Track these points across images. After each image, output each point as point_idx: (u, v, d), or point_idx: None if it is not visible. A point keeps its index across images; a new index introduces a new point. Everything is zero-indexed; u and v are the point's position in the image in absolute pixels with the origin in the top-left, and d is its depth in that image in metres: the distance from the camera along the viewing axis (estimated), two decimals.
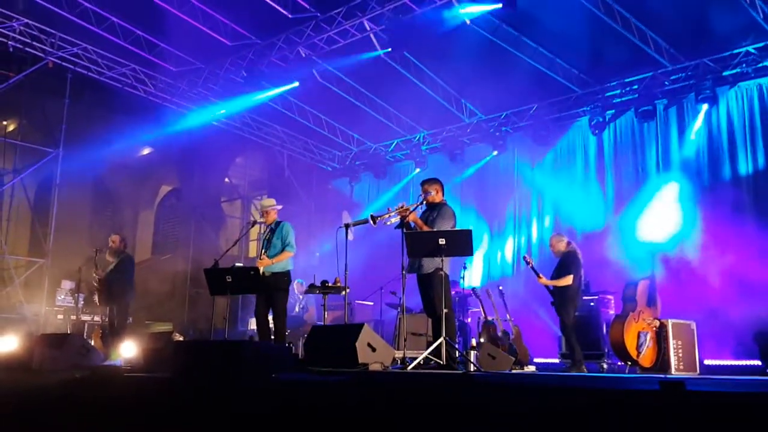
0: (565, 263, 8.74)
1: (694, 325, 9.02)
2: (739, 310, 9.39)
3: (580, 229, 12.58)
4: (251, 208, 17.45)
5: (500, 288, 10.40)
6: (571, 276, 8.55)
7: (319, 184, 17.35)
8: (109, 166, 14.38)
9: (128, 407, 4.75)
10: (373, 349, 6.20)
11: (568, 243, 8.97)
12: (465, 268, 11.04)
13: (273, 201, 8.63)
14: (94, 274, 10.02)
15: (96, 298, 10.75)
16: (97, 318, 11.37)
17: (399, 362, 6.78)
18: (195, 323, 15.08)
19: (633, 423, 2.85)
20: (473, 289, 10.88)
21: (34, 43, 12.30)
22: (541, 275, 8.72)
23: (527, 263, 9.04)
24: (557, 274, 8.77)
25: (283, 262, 8.19)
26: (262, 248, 8.43)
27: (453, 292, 10.33)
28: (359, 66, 12.32)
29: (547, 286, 8.76)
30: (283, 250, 8.20)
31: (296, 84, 13.03)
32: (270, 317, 8.29)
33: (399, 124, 14.94)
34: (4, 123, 14.53)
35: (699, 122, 11.62)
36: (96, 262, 10.07)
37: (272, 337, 8.18)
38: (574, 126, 13.36)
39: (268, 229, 8.48)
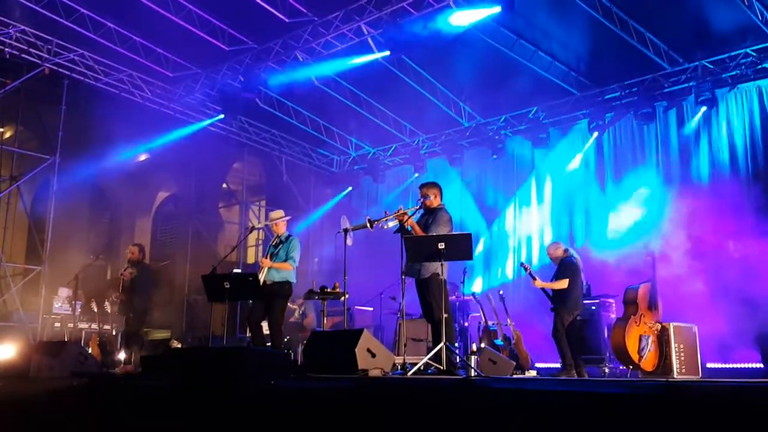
0: (562, 268, 8.71)
1: (695, 329, 8.97)
2: (741, 313, 9.35)
3: (580, 232, 12.56)
4: (249, 213, 17.39)
5: (501, 293, 10.35)
6: (566, 280, 8.49)
7: (317, 189, 17.30)
8: (106, 172, 14.31)
9: (126, 415, 4.70)
10: (373, 355, 6.15)
11: (565, 250, 8.93)
12: (465, 272, 10.99)
13: (281, 213, 8.62)
14: (122, 279, 10.02)
15: (99, 307, 10.74)
16: (94, 325, 11.32)
17: (399, 368, 6.73)
18: (193, 330, 15.01)
19: (635, 427, 2.82)
20: (473, 293, 10.83)
21: (31, 49, 12.27)
22: (536, 278, 8.67)
23: (525, 269, 8.99)
24: (555, 279, 8.72)
25: (285, 273, 8.17)
26: (267, 254, 8.41)
27: (453, 297, 10.31)
28: (357, 70, 12.29)
29: (545, 291, 8.71)
30: (285, 261, 8.18)
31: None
32: (265, 324, 8.25)
33: (398, 128, 14.91)
34: (1, 130, 14.48)
35: (699, 124, 11.60)
36: (121, 277, 10.13)
37: (268, 344, 8.14)
38: (573, 129, 13.33)
39: (277, 239, 8.46)
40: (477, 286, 13.50)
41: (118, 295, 10.05)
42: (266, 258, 8.26)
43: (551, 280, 8.76)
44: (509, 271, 13.85)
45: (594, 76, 12.28)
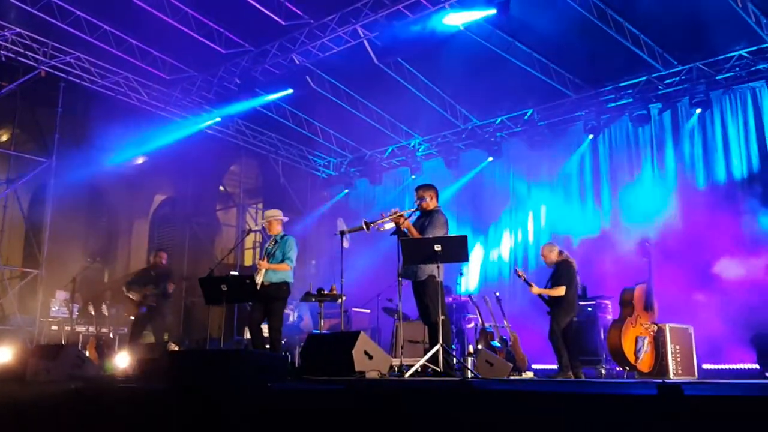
0: (559, 273, 8.65)
1: (691, 330, 9.01)
2: (737, 314, 9.39)
3: (576, 234, 12.58)
4: (246, 216, 17.40)
5: (497, 294, 10.35)
6: (564, 287, 8.45)
7: (314, 192, 17.32)
8: (103, 175, 14.31)
9: (124, 418, 4.70)
10: (370, 357, 6.17)
11: (560, 252, 8.86)
12: (461, 274, 11.00)
13: (278, 212, 8.57)
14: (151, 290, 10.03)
15: (97, 310, 10.73)
16: (91, 328, 11.31)
17: (396, 370, 6.74)
18: (190, 333, 15.02)
19: (631, 428, 2.83)
20: (470, 295, 10.84)
21: (27, 52, 12.26)
22: (533, 285, 8.61)
23: (519, 276, 8.92)
24: (551, 283, 8.67)
25: (282, 273, 8.13)
26: (264, 255, 8.39)
27: (450, 299, 10.32)
28: (353, 72, 12.30)
29: (541, 296, 8.68)
30: (282, 262, 8.15)
31: (290, 91, 12.98)
32: (264, 326, 8.25)
33: (394, 130, 14.93)
34: None
35: (693, 126, 11.65)
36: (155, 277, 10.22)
37: (267, 346, 8.14)
38: (568, 131, 13.36)
39: (273, 240, 8.42)
40: (473, 288, 13.52)
41: (146, 302, 9.99)
42: (263, 260, 8.24)
43: (546, 284, 8.72)
44: (505, 272, 13.87)
45: (589, 78, 12.31)
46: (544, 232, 13.33)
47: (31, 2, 11.13)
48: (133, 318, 10.21)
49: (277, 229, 8.42)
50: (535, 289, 8.58)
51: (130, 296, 10.01)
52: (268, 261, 8.16)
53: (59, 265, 12.36)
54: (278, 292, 8.06)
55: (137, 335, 10.06)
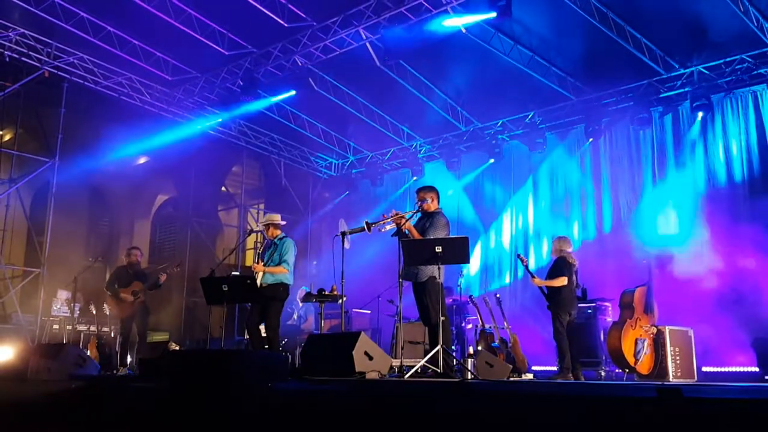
0: (558, 266, 8.72)
1: (691, 332, 9.03)
2: (737, 317, 9.40)
3: (577, 236, 12.60)
4: (248, 216, 17.43)
5: (497, 296, 10.38)
6: (565, 278, 8.50)
7: (315, 192, 17.35)
8: (106, 175, 14.35)
9: (124, 417, 4.73)
10: (370, 358, 6.20)
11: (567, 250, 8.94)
12: (462, 275, 11.03)
13: (275, 217, 8.59)
14: (138, 290, 9.94)
15: (98, 309, 10.72)
16: (93, 328, 11.34)
17: (396, 370, 6.77)
18: (191, 333, 15.05)
19: (630, 430, 2.86)
20: (470, 296, 10.86)
21: (30, 52, 12.30)
22: (535, 276, 8.73)
23: (522, 262, 9.01)
24: (550, 276, 8.74)
25: (279, 275, 8.16)
26: (258, 259, 8.41)
27: (450, 300, 10.34)
28: (355, 74, 12.33)
29: (541, 289, 8.74)
30: (278, 265, 8.18)
31: (293, 92, 13.01)
32: (262, 327, 8.28)
33: (395, 132, 14.96)
34: (0, 132, 14.51)
35: (694, 129, 11.66)
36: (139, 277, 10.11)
37: (266, 346, 8.17)
38: (570, 134, 13.36)
39: (271, 243, 8.45)
40: (474, 289, 13.53)
41: (135, 293, 9.92)
42: (258, 263, 8.26)
43: (545, 277, 8.79)
44: (506, 274, 13.89)
45: (590, 81, 12.31)
46: (544, 234, 13.33)
47: (34, 3, 11.17)
48: (121, 318, 10.08)
49: (276, 233, 8.46)
50: (537, 281, 8.66)
51: (122, 297, 9.89)
52: (265, 264, 8.20)
53: (61, 265, 12.39)
54: (275, 293, 8.10)
55: (128, 334, 10.04)
